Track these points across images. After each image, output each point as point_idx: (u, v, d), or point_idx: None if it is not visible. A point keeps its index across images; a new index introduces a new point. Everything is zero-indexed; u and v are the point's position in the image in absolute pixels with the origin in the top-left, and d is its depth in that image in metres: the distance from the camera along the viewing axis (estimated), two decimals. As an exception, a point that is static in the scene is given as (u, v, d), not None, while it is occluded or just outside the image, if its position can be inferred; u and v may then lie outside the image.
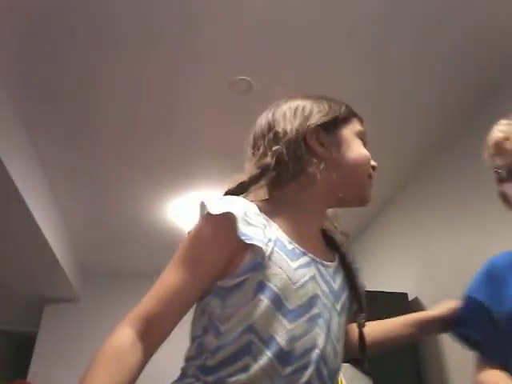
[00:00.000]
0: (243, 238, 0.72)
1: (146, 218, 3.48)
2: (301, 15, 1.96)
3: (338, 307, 0.82)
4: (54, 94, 2.31)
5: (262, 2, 1.91)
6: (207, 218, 0.77)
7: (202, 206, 0.78)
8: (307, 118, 0.87)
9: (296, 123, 0.86)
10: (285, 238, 0.79)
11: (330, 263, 0.85)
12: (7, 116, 2.36)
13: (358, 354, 0.88)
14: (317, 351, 0.74)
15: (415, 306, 2.76)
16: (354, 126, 0.91)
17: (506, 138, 0.96)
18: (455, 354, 2.51)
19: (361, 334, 0.87)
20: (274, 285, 0.73)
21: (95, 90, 2.31)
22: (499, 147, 0.97)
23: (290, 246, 0.79)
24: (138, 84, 2.30)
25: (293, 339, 0.72)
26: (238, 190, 0.85)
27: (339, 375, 0.81)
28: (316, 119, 0.87)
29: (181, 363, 0.79)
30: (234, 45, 2.10)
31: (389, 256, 3.25)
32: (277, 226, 0.80)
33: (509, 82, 2.21)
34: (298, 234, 0.82)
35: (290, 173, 0.84)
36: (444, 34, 2.03)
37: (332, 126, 0.88)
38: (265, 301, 0.72)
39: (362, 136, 0.92)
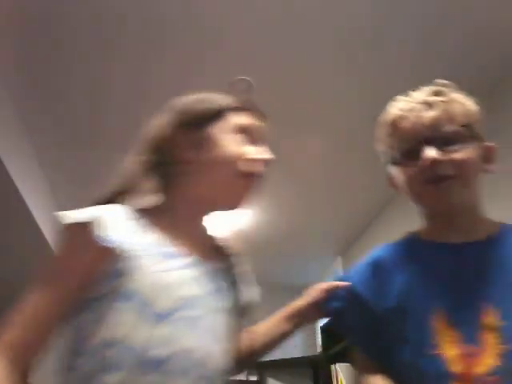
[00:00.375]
0: (103, 242, 0.70)
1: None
2: (301, 15, 1.96)
3: (221, 306, 0.81)
4: (54, 94, 2.31)
5: (262, 2, 1.91)
6: (63, 229, 0.73)
7: (58, 217, 0.73)
8: (171, 122, 0.86)
9: (160, 129, 0.86)
10: (162, 241, 0.77)
11: (218, 264, 0.85)
12: (7, 116, 2.36)
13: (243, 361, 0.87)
14: (200, 352, 0.72)
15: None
16: (232, 121, 0.85)
17: (404, 117, 0.88)
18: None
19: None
20: (141, 290, 0.71)
21: (96, 91, 2.31)
22: (396, 126, 0.89)
23: (167, 249, 0.77)
24: (138, 84, 2.29)
25: (164, 343, 0.69)
26: (116, 196, 0.81)
27: (232, 375, 0.80)
28: (179, 121, 0.85)
29: None
30: (234, 45, 2.10)
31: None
32: (155, 230, 0.78)
33: (509, 82, 2.21)
34: (181, 237, 0.80)
35: (161, 179, 0.83)
36: (444, 34, 2.03)
37: (199, 125, 0.85)
38: (132, 306, 0.70)
39: (245, 130, 0.85)
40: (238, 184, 0.83)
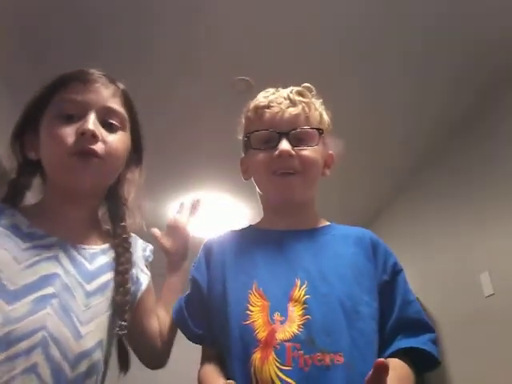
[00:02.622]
0: None
1: (146, 218, 3.48)
2: (301, 15, 1.96)
3: (90, 287, 0.78)
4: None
5: (262, 2, 1.91)
6: None
7: None
8: (19, 127, 0.87)
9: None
10: (24, 223, 0.78)
11: (90, 246, 0.84)
12: (7, 117, 2.35)
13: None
14: (43, 333, 0.68)
15: (415, 306, 2.76)
16: (53, 105, 0.82)
17: (267, 106, 0.95)
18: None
19: (119, 344, 0.82)
20: None
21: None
22: (259, 114, 0.96)
23: (26, 230, 0.78)
24: (138, 84, 2.29)
25: (9, 322, 0.67)
26: (10, 190, 0.85)
27: (93, 359, 0.75)
28: (16, 126, 0.86)
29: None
30: (234, 45, 2.10)
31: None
32: (19, 215, 0.79)
33: (508, 93, 2.21)
34: (49, 221, 0.81)
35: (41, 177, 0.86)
36: (444, 45, 2.03)
37: (33, 122, 0.84)
38: None
39: (67, 109, 0.81)
40: (72, 166, 0.80)
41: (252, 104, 1.00)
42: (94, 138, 0.79)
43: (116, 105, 0.86)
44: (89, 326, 0.75)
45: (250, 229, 1.02)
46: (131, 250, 0.90)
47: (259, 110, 0.97)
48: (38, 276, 0.73)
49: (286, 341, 0.78)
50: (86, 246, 0.83)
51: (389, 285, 0.89)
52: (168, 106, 2.45)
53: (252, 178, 1.02)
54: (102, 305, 0.79)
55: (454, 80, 2.28)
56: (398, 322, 0.86)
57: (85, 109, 0.81)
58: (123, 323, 0.81)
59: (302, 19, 1.98)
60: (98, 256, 0.84)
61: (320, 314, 0.81)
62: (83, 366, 0.72)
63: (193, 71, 2.23)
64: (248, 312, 0.83)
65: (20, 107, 0.89)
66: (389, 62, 2.18)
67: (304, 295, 0.83)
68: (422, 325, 0.87)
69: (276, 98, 0.96)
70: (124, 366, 0.83)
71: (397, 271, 0.92)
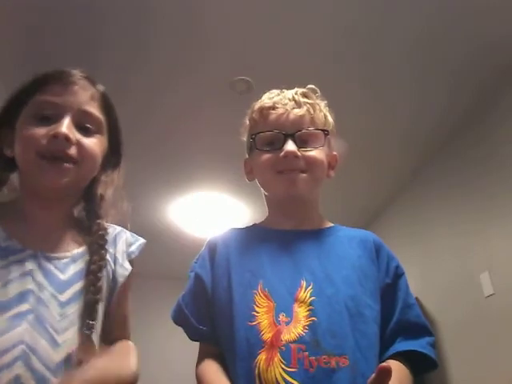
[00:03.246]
0: None
1: (146, 218, 3.48)
2: (301, 15, 1.96)
3: (63, 298, 0.78)
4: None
5: (262, 2, 1.91)
6: None
7: None
8: None
9: None
10: (1, 236, 0.77)
11: (61, 254, 0.82)
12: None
13: None
14: (22, 347, 0.70)
15: (415, 306, 2.76)
16: (31, 105, 0.81)
17: (272, 108, 0.96)
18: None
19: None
20: None
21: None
22: (264, 115, 0.96)
23: (3, 244, 0.77)
24: (138, 84, 2.29)
25: None
26: None
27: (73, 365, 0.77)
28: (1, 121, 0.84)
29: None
30: (234, 45, 2.10)
31: (389, 256, 3.24)
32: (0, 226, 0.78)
33: (509, 94, 2.21)
34: (23, 227, 0.80)
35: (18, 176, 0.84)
36: (444, 46, 2.03)
37: (9, 119, 0.83)
38: None
39: (43, 110, 0.80)
40: (43, 170, 0.79)
41: (257, 105, 1.00)
42: (67, 141, 0.78)
43: (93, 108, 0.85)
44: (65, 335, 0.76)
45: (254, 227, 1.02)
46: (107, 246, 0.88)
47: (264, 111, 0.97)
48: (13, 294, 0.74)
49: (291, 342, 0.78)
50: (61, 255, 0.83)
51: (391, 288, 0.90)
52: (168, 106, 2.45)
53: (256, 180, 1.01)
54: (75, 314, 0.80)
55: (453, 80, 2.27)
56: (399, 324, 0.87)
57: (61, 111, 0.81)
58: (91, 322, 0.80)
59: (302, 19, 1.98)
60: (70, 264, 0.83)
61: (325, 315, 0.81)
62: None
63: (193, 71, 2.23)
64: (254, 313, 0.82)
65: None
66: (389, 62, 2.18)
67: (309, 297, 0.83)
68: (421, 328, 0.89)
69: (281, 100, 0.97)
70: None
71: (399, 274, 0.92)
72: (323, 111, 0.99)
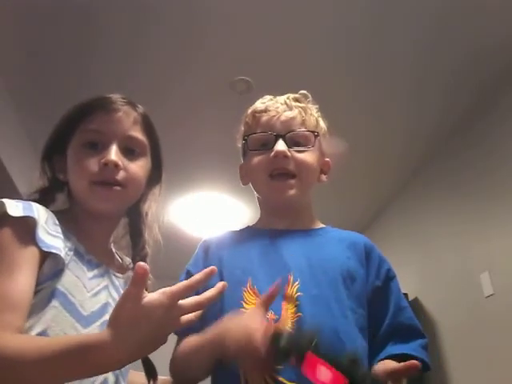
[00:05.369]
0: (41, 245, 0.72)
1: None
2: (301, 15, 1.96)
3: None
4: (53, 95, 2.31)
5: (262, 2, 1.91)
6: (5, 218, 0.73)
7: (1, 205, 0.74)
8: (47, 149, 0.92)
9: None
10: (82, 249, 0.82)
11: (121, 275, 0.90)
12: (7, 118, 2.36)
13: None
14: None
15: (415, 306, 2.76)
16: (79, 133, 0.87)
17: (264, 111, 0.99)
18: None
19: (145, 360, 0.90)
20: (69, 292, 0.75)
21: (93, 91, 2.31)
22: (256, 118, 0.99)
23: (86, 257, 0.82)
24: (138, 84, 2.29)
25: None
26: (41, 197, 0.87)
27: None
28: (44, 151, 0.91)
29: None
30: (234, 45, 2.10)
31: (389, 256, 3.24)
32: (74, 237, 0.82)
33: (508, 95, 2.22)
34: (93, 246, 0.85)
35: (67, 194, 0.90)
36: (442, 48, 2.03)
37: (60, 148, 0.89)
38: (59, 307, 0.73)
39: (91, 139, 0.86)
40: (95, 194, 0.85)
41: (249, 110, 1.03)
42: (116, 167, 0.84)
43: (137, 132, 0.91)
44: None
45: (247, 229, 1.04)
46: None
47: (256, 114, 1.00)
48: (100, 304, 0.81)
49: None
50: (119, 275, 0.91)
51: (381, 290, 0.91)
52: (168, 106, 2.45)
53: (250, 183, 1.03)
54: None
55: (453, 80, 2.28)
56: (391, 327, 0.88)
57: (108, 138, 0.86)
58: None
59: (302, 19, 1.98)
60: (126, 285, 0.89)
61: (310, 312, 0.82)
62: (126, 377, 0.84)
63: (193, 71, 2.23)
64: (242, 310, 0.83)
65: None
66: (389, 62, 2.18)
67: (296, 292, 0.84)
68: (414, 331, 0.89)
69: (273, 104, 0.99)
70: (154, 377, 0.91)
71: (390, 277, 0.93)
72: (315, 115, 1.01)
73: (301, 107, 0.99)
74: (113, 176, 0.84)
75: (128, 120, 0.91)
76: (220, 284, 0.70)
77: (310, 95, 1.05)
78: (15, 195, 0.87)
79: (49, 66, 2.18)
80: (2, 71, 2.19)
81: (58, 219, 0.81)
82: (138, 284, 0.60)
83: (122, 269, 0.94)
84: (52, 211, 0.85)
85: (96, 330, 0.77)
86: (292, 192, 0.94)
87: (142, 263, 0.60)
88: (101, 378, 0.75)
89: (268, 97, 1.04)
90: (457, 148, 2.60)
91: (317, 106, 1.04)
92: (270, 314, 0.81)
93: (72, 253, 0.79)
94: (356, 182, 3.03)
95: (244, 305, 0.84)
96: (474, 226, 2.40)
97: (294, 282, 0.85)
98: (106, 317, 0.78)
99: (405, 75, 2.25)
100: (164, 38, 2.07)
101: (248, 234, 1.00)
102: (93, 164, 0.84)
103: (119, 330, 0.59)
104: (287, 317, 0.81)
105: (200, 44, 2.09)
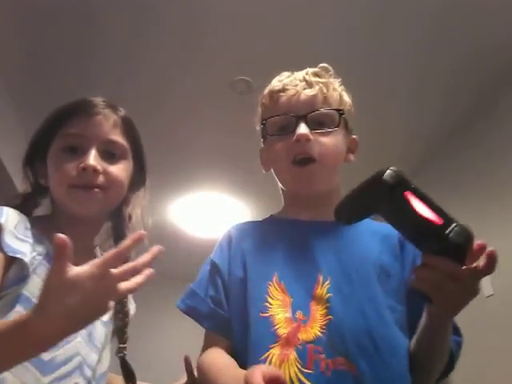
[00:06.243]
0: (7, 250, 0.72)
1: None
2: (301, 16, 1.96)
3: (104, 318, 0.85)
4: (53, 95, 2.31)
5: (262, 2, 1.91)
6: None
7: None
8: (29, 156, 0.92)
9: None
10: (51, 253, 0.81)
11: None
12: (7, 118, 2.35)
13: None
14: (79, 358, 0.78)
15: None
16: (59, 138, 0.87)
17: (282, 90, 0.91)
18: None
19: (122, 364, 0.91)
20: (34, 297, 0.74)
21: (93, 91, 2.31)
22: (274, 98, 0.92)
23: None
24: (138, 85, 2.29)
25: (53, 348, 0.72)
26: (22, 202, 0.88)
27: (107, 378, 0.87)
28: (26, 157, 0.91)
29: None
30: (234, 45, 2.10)
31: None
32: (48, 240, 0.81)
33: (508, 95, 2.21)
34: (73, 250, 0.85)
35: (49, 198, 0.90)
36: (442, 49, 2.03)
37: (42, 153, 0.89)
38: (22, 312, 0.71)
39: (70, 143, 0.86)
40: (74, 198, 0.85)
41: (266, 89, 0.95)
42: (94, 172, 0.84)
43: (117, 136, 0.90)
44: (104, 352, 0.86)
45: (271, 219, 0.97)
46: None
47: (274, 94, 0.92)
48: None
49: (308, 342, 0.75)
50: None
51: None
52: (168, 106, 2.45)
53: (271, 168, 0.95)
54: (110, 334, 0.89)
55: (453, 81, 2.27)
56: None
57: (87, 142, 0.86)
58: (123, 345, 0.91)
59: (302, 19, 1.98)
60: None
61: (341, 315, 0.77)
62: None
63: (193, 71, 2.23)
64: (266, 304, 0.79)
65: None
66: (389, 62, 2.18)
67: (326, 293, 0.79)
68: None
69: (291, 81, 0.92)
70: (133, 382, 0.91)
71: None
72: (338, 90, 0.93)
73: (322, 83, 0.90)
74: (92, 180, 0.84)
75: (107, 123, 0.89)
76: (155, 248, 0.68)
77: (331, 68, 0.96)
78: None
79: (49, 66, 2.18)
80: (2, 71, 2.19)
81: (37, 224, 0.81)
82: (59, 257, 0.58)
83: None
84: (35, 216, 0.86)
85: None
86: (316, 179, 0.88)
87: (59, 234, 0.58)
88: (70, 383, 0.76)
89: (285, 73, 0.96)
90: (457, 148, 2.59)
91: (339, 80, 0.96)
92: (299, 314, 0.78)
93: (41, 257, 0.78)
94: (356, 183, 3.03)
95: (269, 299, 0.80)
96: (474, 226, 2.36)
97: (323, 282, 0.80)
98: None
99: (405, 75, 2.25)
100: (164, 38, 2.07)
101: (272, 225, 0.94)
102: (71, 168, 0.84)
103: (45, 304, 0.58)
104: (316, 318, 0.77)
105: (200, 44, 2.09)
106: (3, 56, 2.11)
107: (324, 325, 0.76)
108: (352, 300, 0.79)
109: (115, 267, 0.62)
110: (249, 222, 0.98)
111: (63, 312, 0.58)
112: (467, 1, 1.87)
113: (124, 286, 0.63)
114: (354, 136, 0.97)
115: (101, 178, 0.85)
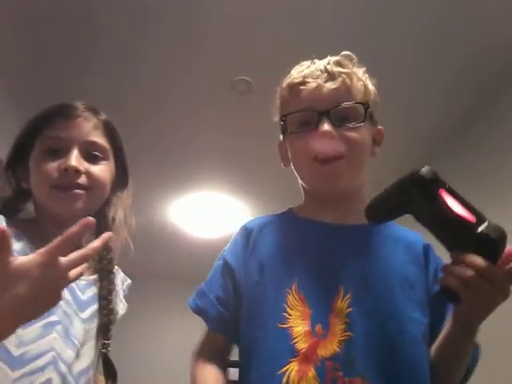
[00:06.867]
0: None
1: (146, 218, 3.48)
2: (301, 16, 1.96)
3: (84, 315, 0.86)
4: (53, 95, 2.31)
5: (262, 2, 1.91)
6: None
7: None
8: (11, 158, 0.92)
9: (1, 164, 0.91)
10: (28, 250, 0.81)
11: (82, 277, 0.88)
12: (7, 118, 2.35)
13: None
14: (52, 353, 0.78)
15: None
16: (40, 140, 0.88)
17: (302, 83, 0.85)
18: None
19: (104, 360, 0.90)
20: None
21: (93, 91, 2.31)
22: (294, 92, 0.86)
23: None
24: (138, 85, 2.30)
25: (22, 344, 0.75)
26: (4, 207, 0.88)
27: (89, 375, 0.86)
28: (8, 159, 0.91)
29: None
30: (234, 45, 2.10)
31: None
32: (26, 241, 0.82)
33: (508, 95, 2.21)
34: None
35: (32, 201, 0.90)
36: (441, 50, 2.03)
37: (23, 156, 0.89)
38: None
39: (52, 145, 0.87)
40: (55, 198, 0.86)
41: (286, 81, 0.90)
42: (76, 172, 0.85)
43: (97, 137, 0.91)
44: (84, 349, 0.85)
45: (291, 216, 0.91)
46: (113, 278, 0.96)
47: (294, 87, 0.86)
48: None
49: (326, 359, 0.72)
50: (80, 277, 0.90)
51: (438, 296, 0.79)
52: (168, 106, 2.45)
53: (292, 165, 0.90)
54: (92, 331, 0.89)
55: (453, 81, 2.27)
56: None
57: (68, 144, 0.87)
58: (107, 342, 0.90)
59: (302, 19, 1.98)
60: (88, 287, 0.91)
61: (362, 332, 0.73)
62: (83, 382, 0.83)
63: (193, 71, 2.23)
64: (285, 314, 0.76)
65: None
66: (389, 62, 2.18)
67: (347, 308, 0.75)
68: None
69: (312, 73, 0.85)
70: (113, 379, 0.91)
71: None
72: (362, 80, 0.87)
73: (345, 73, 0.84)
74: (73, 181, 0.85)
75: (88, 125, 0.90)
76: (106, 234, 0.67)
77: (354, 56, 0.90)
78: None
79: (49, 66, 2.18)
80: (2, 71, 2.19)
81: (16, 223, 0.82)
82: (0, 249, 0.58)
83: (88, 271, 0.93)
84: (20, 218, 0.88)
85: (37, 331, 0.77)
86: (342, 177, 0.82)
87: None
88: (42, 378, 0.76)
89: (306, 63, 0.90)
90: (457, 148, 2.59)
91: (364, 68, 0.90)
92: (319, 328, 0.74)
93: (17, 255, 0.78)
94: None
95: (287, 309, 0.76)
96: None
97: (344, 295, 0.76)
98: (52, 318, 0.80)
99: (405, 75, 2.25)
100: (164, 38, 2.07)
101: (294, 224, 0.88)
102: (53, 170, 0.85)
103: None
104: (335, 333, 0.73)
105: (200, 44, 2.09)
106: (3, 56, 2.11)
107: (342, 341, 0.73)
108: (373, 317, 0.75)
109: (64, 255, 0.62)
110: (268, 216, 0.92)
111: (10, 302, 0.58)
112: (467, 1, 1.87)
113: (74, 272, 0.63)
114: (379, 127, 0.92)
115: (83, 178, 0.86)
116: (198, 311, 0.86)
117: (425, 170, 0.67)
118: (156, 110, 2.46)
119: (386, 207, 0.72)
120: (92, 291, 0.91)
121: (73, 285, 0.86)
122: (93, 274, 0.94)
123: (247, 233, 0.88)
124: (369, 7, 1.92)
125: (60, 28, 2.00)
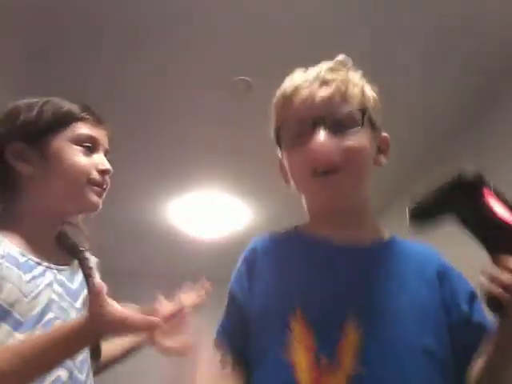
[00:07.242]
0: None
1: (145, 218, 3.48)
2: (301, 16, 1.96)
3: (78, 304, 0.89)
4: (54, 95, 2.30)
5: (262, 2, 1.91)
6: None
7: None
8: (13, 133, 0.89)
9: (3, 139, 0.89)
10: (16, 252, 0.81)
11: (65, 266, 0.91)
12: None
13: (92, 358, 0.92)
14: None
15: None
16: (72, 132, 0.91)
17: (295, 93, 0.80)
18: None
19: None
20: (3, 301, 0.75)
21: (93, 91, 2.31)
22: (286, 102, 0.82)
23: (22, 259, 0.82)
24: (138, 84, 2.29)
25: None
26: None
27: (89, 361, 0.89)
28: (22, 134, 0.89)
29: None
30: (234, 45, 2.10)
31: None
32: (7, 240, 0.82)
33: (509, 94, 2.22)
34: (31, 245, 0.86)
35: (4, 190, 0.89)
36: (444, 47, 2.03)
37: (37, 136, 0.88)
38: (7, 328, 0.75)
39: (86, 140, 0.92)
40: (87, 191, 0.90)
41: (279, 91, 0.85)
42: (108, 174, 0.95)
43: (108, 146, 1.00)
44: None
45: (296, 235, 0.86)
46: (91, 265, 1.01)
47: (286, 98, 0.81)
48: (41, 306, 0.82)
49: None
50: (65, 267, 0.92)
51: (463, 318, 0.74)
52: (168, 106, 2.45)
53: (292, 183, 0.84)
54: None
55: (453, 81, 2.28)
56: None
57: (98, 145, 0.95)
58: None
59: (302, 19, 1.98)
60: (74, 274, 0.93)
61: (372, 367, 0.67)
62: (85, 369, 0.87)
63: (193, 71, 2.23)
64: (288, 343, 0.70)
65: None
66: (389, 62, 2.18)
67: (356, 340, 0.69)
68: None
69: (304, 81, 0.81)
70: (96, 354, 0.93)
71: (471, 300, 0.77)
72: (358, 85, 0.82)
73: (339, 80, 0.79)
74: (106, 182, 0.94)
75: (108, 134, 1.00)
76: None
77: (349, 59, 0.85)
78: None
79: (49, 66, 2.18)
80: (2, 71, 2.19)
81: None
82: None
83: (66, 257, 0.95)
84: None
85: (38, 332, 0.78)
86: (343, 191, 0.77)
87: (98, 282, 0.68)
88: (52, 377, 0.77)
89: (299, 72, 0.86)
90: (457, 148, 2.59)
91: (361, 72, 0.85)
92: (323, 359, 0.68)
93: (3, 260, 0.78)
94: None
95: (291, 338, 0.71)
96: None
97: (353, 325, 0.70)
98: (49, 315, 0.81)
99: (405, 75, 2.25)
100: (164, 38, 2.06)
101: (298, 245, 0.83)
102: (89, 166, 0.91)
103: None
104: (342, 367, 0.67)
105: (200, 44, 2.09)
106: (3, 56, 2.11)
107: (351, 376, 0.66)
108: (386, 349, 0.69)
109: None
110: (272, 235, 0.87)
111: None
112: (468, 5, 1.88)
113: None
114: (384, 134, 0.86)
115: (107, 179, 0.96)
116: (216, 345, 0.81)
117: (470, 171, 0.68)
118: (156, 109, 2.46)
119: (430, 211, 0.73)
120: (79, 278, 0.94)
121: (61, 277, 0.88)
122: (71, 260, 0.96)
123: (250, 259, 0.84)
124: (369, 7, 1.92)
125: (60, 28, 2.00)
